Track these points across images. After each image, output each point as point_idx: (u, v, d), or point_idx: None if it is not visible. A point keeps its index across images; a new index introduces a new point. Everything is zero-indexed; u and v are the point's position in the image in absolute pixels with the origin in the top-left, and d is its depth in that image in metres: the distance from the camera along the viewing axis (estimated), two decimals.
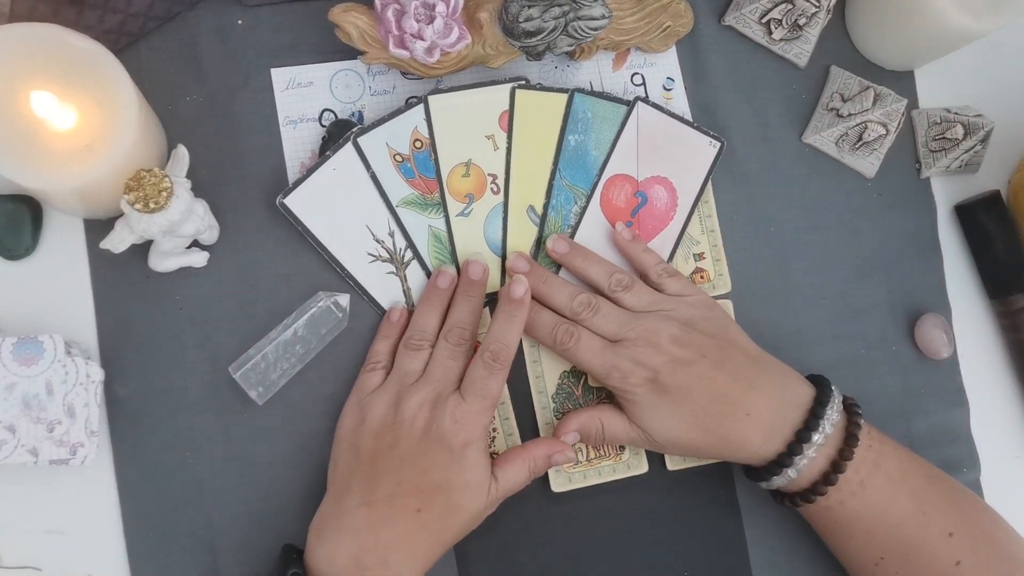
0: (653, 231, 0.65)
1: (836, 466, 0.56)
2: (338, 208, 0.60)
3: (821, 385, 0.59)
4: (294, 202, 0.59)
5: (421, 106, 0.62)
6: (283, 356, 0.58)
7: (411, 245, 0.62)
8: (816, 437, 0.56)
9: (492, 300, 0.63)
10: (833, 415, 0.57)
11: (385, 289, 0.61)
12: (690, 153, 0.66)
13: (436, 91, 0.62)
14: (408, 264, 0.62)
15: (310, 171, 0.59)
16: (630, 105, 0.65)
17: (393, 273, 0.61)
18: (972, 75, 0.74)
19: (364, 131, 0.60)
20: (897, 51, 0.70)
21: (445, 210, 0.62)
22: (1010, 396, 0.72)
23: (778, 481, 0.58)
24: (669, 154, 0.66)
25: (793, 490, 0.58)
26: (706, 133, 0.66)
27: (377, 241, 0.61)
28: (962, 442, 0.69)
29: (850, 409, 0.59)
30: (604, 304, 0.60)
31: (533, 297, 0.61)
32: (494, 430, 0.62)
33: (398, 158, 0.61)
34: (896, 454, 0.59)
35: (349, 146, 0.60)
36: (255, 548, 0.58)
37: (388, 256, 0.61)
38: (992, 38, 0.69)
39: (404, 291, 0.61)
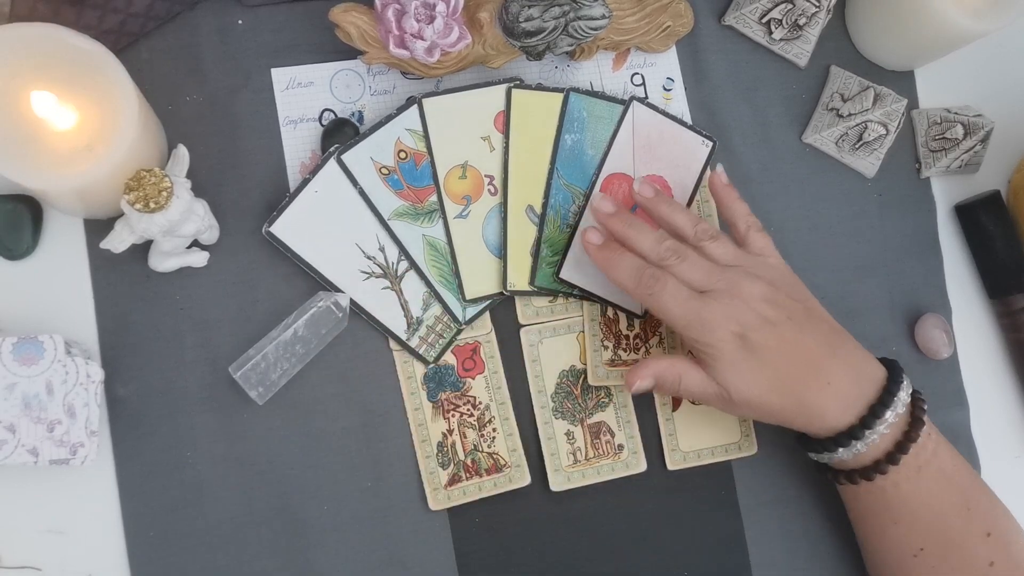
0: None
1: (900, 446, 0.56)
2: (325, 229, 0.60)
3: (893, 366, 0.59)
4: (280, 229, 0.59)
5: (401, 117, 0.62)
6: (283, 356, 0.58)
7: (407, 256, 0.61)
8: (889, 415, 0.56)
9: (506, 299, 0.63)
10: (904, 396, 0.57)
11: (382, 305, 0.61)
12: (683, 153, 0.66)
13: (430, 94, 0.62)
14: (403, 277, 0.61)
15: (292, 196, 0.59)
16: (626, 104, 0.65)
17: (388, 288, 0.61)
18: (972, 75, 0.74)
19: (346, 148, 0.60)
20: (897, 51, 0.70)
21: (443, 212, 0.62)
22: (1010, 396, 0.72)
23: (843, 454, 0.57)
24: (663, 153, 0.66)
25: (853, 467, 0.58)
26: (699, 133, 0.66)
27: (368, 258, 0.61)
28: (962, 442, 0.69)
29: (915, 395, 0.59)
30: (691, 252, 0.58)
31: (617, 240, 0.59)
32: (494, 430, 0.62)
33: (384, 171, 0.61)
34: (948, 448, 0.59)
35: (332, 165, 0.60)
36: (255, 548, 0.58)
37: (381, 271, 0.61)
38: (992, 38, 0.69)
39: (401, 304, 0.61)
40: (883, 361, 0.60)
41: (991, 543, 0.57)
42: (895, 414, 0.56)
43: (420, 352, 0.61)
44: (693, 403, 0.65)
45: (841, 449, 0.57)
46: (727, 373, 0.56)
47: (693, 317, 0.56)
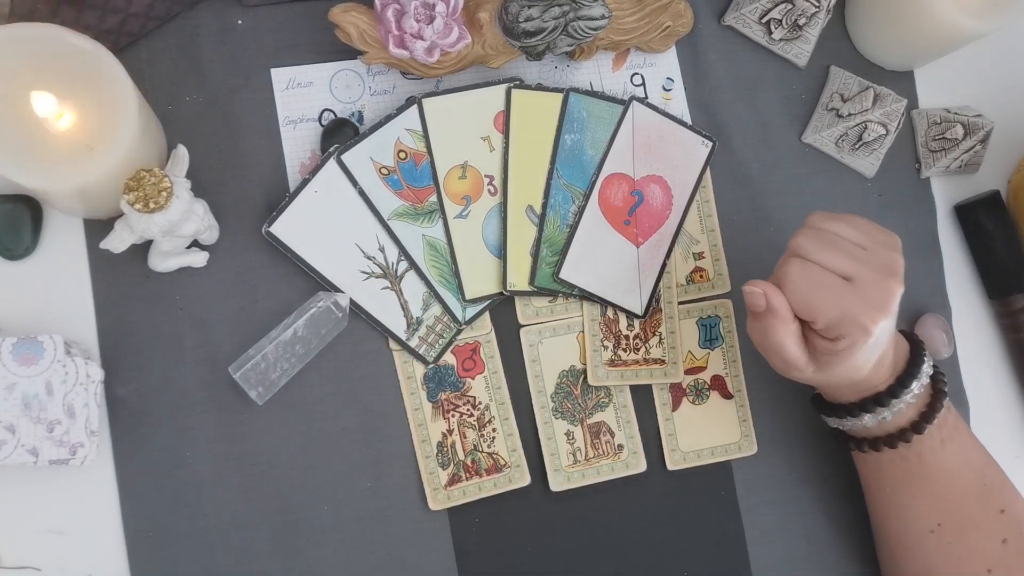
0: (650, 229, 0.65)
1: (925, 416, 0.57)
2: (325, 229, 0.60)
3: (913, 339, 0.59)
4: (280, 229, 0.59)
5: (401, 117, 0.62)
6: (283, 356, 0.58)
7: (407, 256, 0.61)
8: (915, 385, 0.57)
9: (506, 299, 0.63)
10: (927, 368, 0.58)
11: (382, 305, 0.61)
12: (683, 153, 0.66)
13: (430, 94, 0.63)
14: (403, 277, 0.62)
15: (292, 196, 0.59)
16: (626, 104, 0.65)
17: (388, 288, 0.61)
18: (972, 75, 0.74)
19: (346, 148, 0.60)
20: (897, 51, 0.70)
21: (443, 212, 0.62)
22: (1010, 396, 0.72)
23: (869, 421, 0.57)
24: (663, 153, 0.66)
25: (877, 434, 0.58)
26: (698, 133, 0.66)
27: (368, 258, 0.61)
28: None
29: (935, 368, 0.59)
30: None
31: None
32: (494, 430, 0.62)
33: (384, 171, 0.61)
34: (965, 425, 0.60)
35: (332, 165, 0.60)
36: (255, 548, 0.58)
37: (381, 271, 0.61)
38: (992, 38, 0.69)
39: (401, 304, 0.61)
40: (903, 333, 0.60)
41: (1005, 520, 0.58)
42: (920, 384, 0.57)
43: (420, 352, 0.61)
44: (694, 402, 0.65)
45: (867, 416, 0.57)
46: (849, 360, 0.53)
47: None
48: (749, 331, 0.57)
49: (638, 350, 0.64)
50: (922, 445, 0.57)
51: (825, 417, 0.61)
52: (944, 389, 0.58)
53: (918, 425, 0.57)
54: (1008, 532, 0.58)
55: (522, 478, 0.62)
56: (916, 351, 0.58)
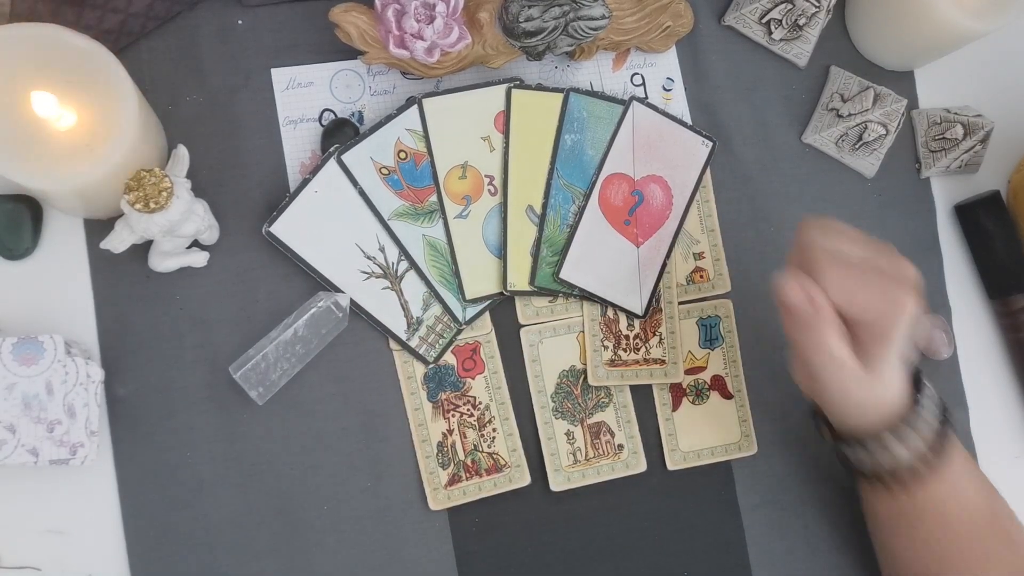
0: (651, 229, 0.65)
1: (936, 449, 0.55)
2: (325, 229, 0.60)
3: (914, 374, 0.57)
4: (280, 229, 0.59)
5: (401, 117, 0.62)
6: (283, 356, 0.58)
7: (407, 257, 0.62)
8: (926, 405, 0.55)
9: (506, 299, 0.63)
10: (935, 394, 0.56)
11: (382, 305, 0.61)
12: (683, 153, 0.66)
13: (430, 94, 0.63)
14: (403, 277, 0.62)
15: (292, 196, 0.59)
16: (626, 104, 0.65)
17: (388, 288, 0.61)
18: (972, 75, 0.74)
19: (346, 148, 0.60)
20: (897, 51, 0.70)
21: (443, 212, 0.62)
22: (1010, 396, 0.71)
23: (891, 450, 0.54)
24: (663, 153, 0.66)
25: (891, 468, 0.55)
26: (699, 133, 0.66)
27: (368, 258, 0.61)
28: (962, 442, 0.69)
29: (941, 399, 0.57)
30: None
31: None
32: (494, 430, 0.62)
33: (384, 171, 0.61)
34: (967, 454, 0.58)
35: (332, 165, 0.60)
36: (255, 548, 0.58)
37: (381, 272, 0.61)
38: (992, 38, 0.69)
39: (402, 304, 0.61)
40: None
41: (1015, 549, 0.56)
42: (931, 403, 0.55)
43: (420, 352, 0.61)
44: (694, 402, 0.65)
45: (892, 444, 0.54)
46: (891, 355, 0.52)
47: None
48: (790, 332, 0.54)
49: (638, 350, 0.64)
50: (929, 488, 0.55)
51: (842, 447, 0.58)
52: (950, 419, 0.56)
53: (928, 459, 0.55)
54: (1017, 562, 0.56)
55: (522, 478, 0.62)
56: (920, 377, 0.56)
